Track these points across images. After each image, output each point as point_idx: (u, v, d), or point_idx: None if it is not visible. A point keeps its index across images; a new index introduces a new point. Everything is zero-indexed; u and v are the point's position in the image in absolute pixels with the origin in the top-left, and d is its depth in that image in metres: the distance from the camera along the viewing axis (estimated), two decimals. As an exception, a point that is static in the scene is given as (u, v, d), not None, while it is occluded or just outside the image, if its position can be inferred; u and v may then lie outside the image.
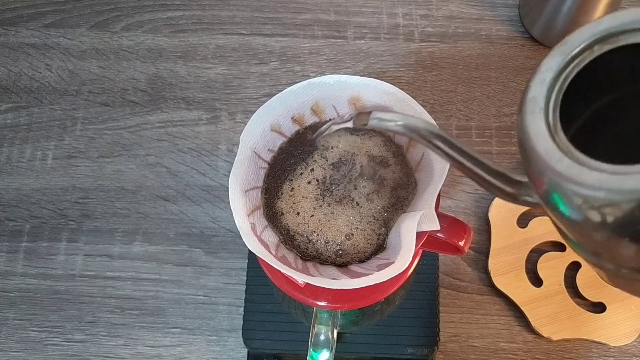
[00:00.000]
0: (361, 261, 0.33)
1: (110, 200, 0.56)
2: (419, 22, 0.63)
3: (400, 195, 0.35)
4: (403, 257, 0.30)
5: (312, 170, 0.35)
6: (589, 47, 0.23)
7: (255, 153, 0.35)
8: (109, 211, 0.56)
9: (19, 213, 0.56)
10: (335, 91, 0.35)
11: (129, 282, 0.53)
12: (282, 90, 0.35)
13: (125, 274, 0.53)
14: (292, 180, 0.35)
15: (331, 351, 0.38)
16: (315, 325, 0.38)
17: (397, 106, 0.35)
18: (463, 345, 0.51)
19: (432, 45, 0.62)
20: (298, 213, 0.34)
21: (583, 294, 0.51)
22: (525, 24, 0.62)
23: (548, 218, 0.57)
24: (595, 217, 0.20)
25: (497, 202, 0.54)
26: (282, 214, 0.34)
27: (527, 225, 0.53)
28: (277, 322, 0.48)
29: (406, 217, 0.32)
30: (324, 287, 0.30)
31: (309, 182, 0.35)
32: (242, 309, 0.49)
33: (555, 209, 0.21)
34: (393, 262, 0.30)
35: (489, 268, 0.52)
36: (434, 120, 0.34)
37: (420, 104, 0.34)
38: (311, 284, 0.31)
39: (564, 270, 0.52)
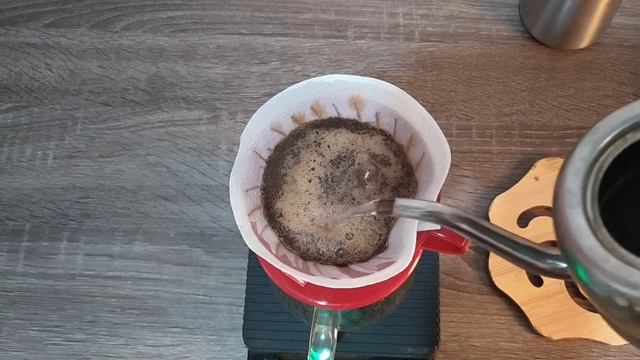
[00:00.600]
0: (362, 261, 0.33)
1: (110, 199, 0.56)
2: (419, 21, 0.63)
3: (402, 194, 0.35)
4: (403, 257, 0.30)
5: (312, 169, 0.35)
6: (621, 135, 0.22)
7: (256, 152, 0.35)
8: (110, 211, 0.56)
9: (20, 213, 0.56)
10: (336, 91, 0.35)
11: (130, 281, 0.53)
12: (282, 90, 0.35)
13: (125, 273, 0.53)
14: (291, 179, 0.35)
15: (331, 351, 0.38)
16: (316, 324, 0.38)
17: (398, 106, 0.35)
18: (463, 344, 0.51)
19: (433, 45, 0.62)
20: (297, 214, 0.34)
21: (583, 294, 0.51)
22: (526, 24, 0.62)
23: (548, 218, 0.57)
24: None
25: (497, 202, 0.54)
26: (282, 214, 0.34)
27: (527, 225, 0.53)
28: (277, 322, 0.48)
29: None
30: (324, 287, 0.30)
31: (310, 180, 0.35)
32: (243, 308, 0.49)
33: (597, 300, 0.21)
34: (393, 262, 0.30)
35: (489, 267, 0.52)
36: (435, 119, 0.34)
37: (420, 103, 0.35)
38: (311, 284, 0.31)
39: (564, 270, 0.52)
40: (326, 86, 0.35)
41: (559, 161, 0.55)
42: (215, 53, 0.62)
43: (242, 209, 0.32)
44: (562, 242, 0.22)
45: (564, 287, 0.51)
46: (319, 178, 0.35)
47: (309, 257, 0.34)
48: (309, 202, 0.34)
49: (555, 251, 0.25)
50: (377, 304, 0.41)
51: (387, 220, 0.34)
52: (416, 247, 0.31)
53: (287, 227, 0.34)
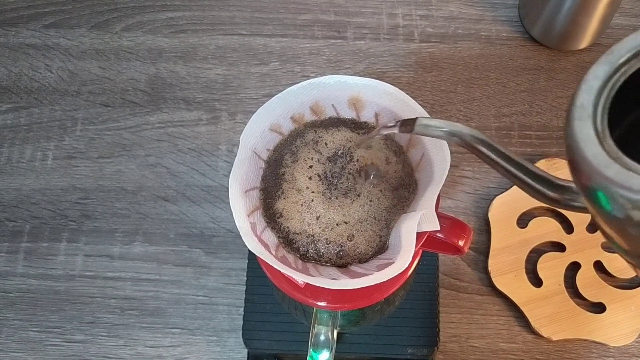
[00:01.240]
0: (361, 262, 0.33)
1: (110, 200, 0.56)
2: (418, 22, 0.63)
3: (402, 195, 0.35)
4: (403, 258, 0.30)
5: (310, 167, 0.35)
6: (636, 55, 0.23)
7: (255, 153, 0.35)
8: (109, 211, 0.56)
9: (19, 213, 0.56)
10: (335, 91, 0.35)
11: (129, 282, 0.53)
12: (282, 91, 0.35)
13: (125, 274, 0.53)
14: (290, 177, 0.35)
15: (331, 351, 0.38)
16: (315, 325, 0.38)
17: (397, 107, 0.35)
18: (463, 345, 0.51)
19: (432, 46, 0.62)
20: (300, 212, 0.34)
21: (583, 294, 0.51)
22: (525, 25, 0.62)
23: (548, 218, 0.57)
24: None
25: (497, 202, 0.54)
26: (282, 214, 0.34)
27: (527, 226, 0.53)
28: (277, 323, 0.48)
29: (406, 218, 0.32)
30: (323, 287, 0.30)
31: (310, 178, 0.35)
32: (242, 309, 0.49)
33: (602, 211, 0.22)
34: (393, 262, 0.30)
35: (489, 268, 0.52)
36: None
37: (420, 104, 0.35)
38: (311, 284, 0.31)
39: (563, 271, 0.52)
40: (326, 87, 0.35)
41: (558, 162, 0.55)
42: (214, 54, 0.62)
43: (241, 209, 0.32)
44: (570, 153, 0.23)
45: (564, 288, 0.51)
46: (318, 175, 0.35)
47: (309, 258, 0.34)
48: (312, 200, 0.34)
49: (568, 183, 0.26)
50: (377, 305, 0.41)
51: (388, 221, 0.34)
52: (416, 248, 0.31)
53: (287, 227, 0.34)
